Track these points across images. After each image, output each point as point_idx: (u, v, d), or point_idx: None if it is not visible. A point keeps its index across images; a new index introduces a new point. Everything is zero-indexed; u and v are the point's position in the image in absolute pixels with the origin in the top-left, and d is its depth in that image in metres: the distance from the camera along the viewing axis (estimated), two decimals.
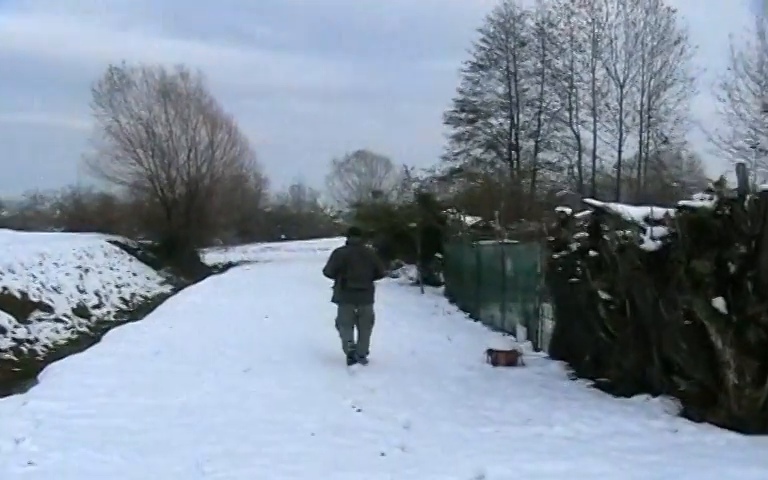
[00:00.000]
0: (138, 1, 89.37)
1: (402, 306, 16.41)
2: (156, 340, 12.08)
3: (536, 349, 10.55)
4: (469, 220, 18.49)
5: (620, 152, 33.43)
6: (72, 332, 15.21)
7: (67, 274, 19.07)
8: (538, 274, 10.17)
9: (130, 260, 27.09)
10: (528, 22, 34.37)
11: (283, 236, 58.46)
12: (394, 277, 24.22)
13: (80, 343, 14.14)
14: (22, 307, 14.69)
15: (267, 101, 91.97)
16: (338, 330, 10.05)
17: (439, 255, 19.43)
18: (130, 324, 15.01)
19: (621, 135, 33.24)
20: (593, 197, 31.54)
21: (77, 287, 18.62)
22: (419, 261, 19.94)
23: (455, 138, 35.40)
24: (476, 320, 14.54)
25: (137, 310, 19.62)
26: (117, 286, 21.50)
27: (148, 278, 26.18)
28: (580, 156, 34.02)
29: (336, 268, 10.08)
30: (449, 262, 18.28)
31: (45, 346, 13.29)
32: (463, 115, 35.58)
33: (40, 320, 14.94)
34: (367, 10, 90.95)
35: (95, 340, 13.48)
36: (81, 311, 17.15)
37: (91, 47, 70.71)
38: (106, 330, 15.65)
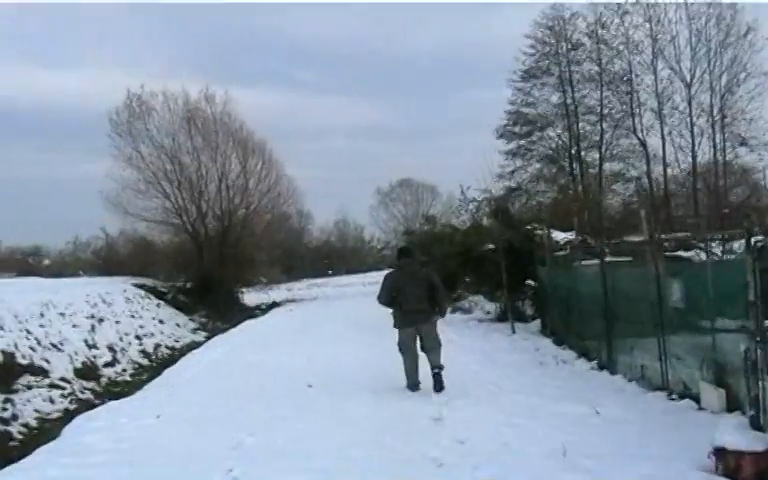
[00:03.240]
0: (179, 53, 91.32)
1: (492, 354, 13.04)
2: (119, 450, 7.65)
3: (757, 426, 6.11)
4: (560, 236, 14.85)
5: (694, 157, 30.20)
6: (72, 400, 12.38)
7: (74, 326, 16.36)
8: (752, 302, 6.15)
9: (158, 305, 24.38)
10: (579, 23, 31.77)
11: (330, 271, 56.77)
12: (466, 313, 20.94)
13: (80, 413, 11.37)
14: (4, 372, 11.82)
15: (309, 142, 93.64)
16: (403, 360, 10.00)
17: (530, 282, 15.49)
18: (104, 408, 10.97)
19: (693, 139, 30.09)
20: (666, 208, 29.78)
21: (85, 341, 15.87)
22: (504, 291, 16.02)
23: (510, 154, 32.66)
24: (611, 372, 10.21)
25: (160, 365, 16.81)
26: (138, 337, 18.72)
27: (178, 325, 23.38)
28: (648, 165, 31.06)
29: (390, 293, 10.04)
30: (549, 291, 14.11)
31: (26, 425, 10.38)
32: (517, 128, 32.93)
33: (29, 387, 12.15)
34: (400, 48, 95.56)
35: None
36: (87, 371, 14.35)
37: None
38: (116, 395, 12.95)
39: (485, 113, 77.24)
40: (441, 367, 9.71)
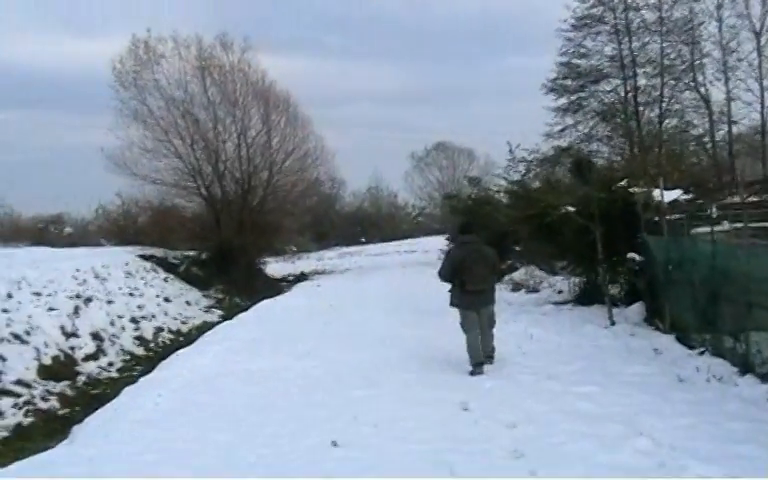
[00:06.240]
0: (209, 23, 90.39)
1: (599, 361, 9.34)
2: None
3: None
4: (671, 196, 11.55)
5: (763, 114, 27.35)
6: (28, 411, 9.75)
7: (51, 309, 13.81)
8: None
9: (165, 280, 21.77)
10: None
11: (363, 239, 54.50)
12: (531, 291, 17.90)
13: (32, 439, 8.82)
14: None
15: (340, 108, 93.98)
16: (464, 335, 9.71)
17: (634, 255, 12.04)
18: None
19: (763, 93, 27.22)
20: (732, 168, 26.91)
21: (62, 328, 13.32)
22: (601, 267, 12.60)
23: (560, 111, 29.66)
24: None
25: (157, 356, 14.17)
26: (134, 320, 16.16)
27: (188, 303, 20.80)
28: (711, 122, 28.28)
29: (453, 270, 9.70)
30: (671, 268, 10.37)
31: None
32: (568, 82, 29.81)
33: None
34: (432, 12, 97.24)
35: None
36: (59, 369, 11.81)
37: None
38: (94, 399, 10.39)
39: (523, 79, 77.03)
40: (493, 349, 9.86)
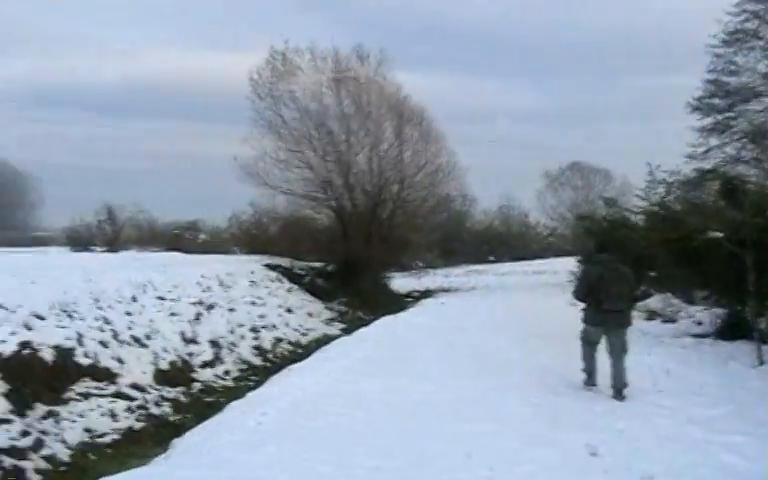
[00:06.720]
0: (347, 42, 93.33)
1: (738, 402, 8.51)
2: None
3: None
4: None
5: None
6: (140, 416, 9.75)
7: (173, 314, 13.99)
8: None
9: (288, 290, 21.88)
10: None
11: (491, 257, 53.72)
12: (668, 321, 16.64)
13: (141, 443, 8.83)
14: (52, 377, 9.44)
15: (472, 125, 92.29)
16: (582, 350, 9.79)
17: None
18: None
19: None
20: None
21: (182, 334, 13.41)
22: (751, 298, 11.45)
23: (704, 131, 27.48)
24: None
25: (274, 366, 14.12)
26: (254, 329, 16.21)
27: (310, 315, 20.81)
28: None
29: (590, 288, 9.62)
30: None
31: (51, 458, 7.75)
32: (716, 100, 27.59)
33: (86, 396, 9.68)
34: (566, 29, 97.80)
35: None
36: (175, 374, 11.89)
37: None
38: (207, 407, 10.35)
39: (663, 97, 74.42)
40: (625, 385, 9.33)
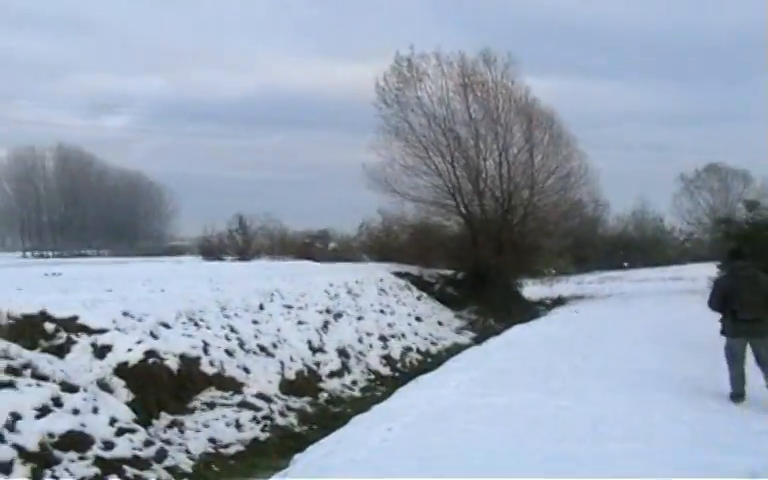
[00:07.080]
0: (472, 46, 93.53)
1: None
2: None
3: None
4: None
5: None
6: (265, 426, 9.54)
7: (300, 323, 13.81)
8: None
9: (418, 298, 21.48)
10: None
11: (625, 263, 51.69)
12: None
13: (266, 455, 8.60)
14: (177, 386, 9.36)
15: (604, 129, 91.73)
16: (727, 362, 9.47)
17: None
18: None
19: None
20: None
21: (309, 343, 13.17)
22: None
23: None
24: None
25: (403, 376, 13.72)
26: (383, 338, 15.85)
27: (440, 323, 20.34)
28: None
29: (723, 299, 9.39)
30: None
31: (174, 469, 7.59)
32: None
33: (211, 406, 9.58)
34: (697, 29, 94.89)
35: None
36: (302, 384, 11.64)
37: None
38: (333, 418, 10.04)
39: None
40: None
